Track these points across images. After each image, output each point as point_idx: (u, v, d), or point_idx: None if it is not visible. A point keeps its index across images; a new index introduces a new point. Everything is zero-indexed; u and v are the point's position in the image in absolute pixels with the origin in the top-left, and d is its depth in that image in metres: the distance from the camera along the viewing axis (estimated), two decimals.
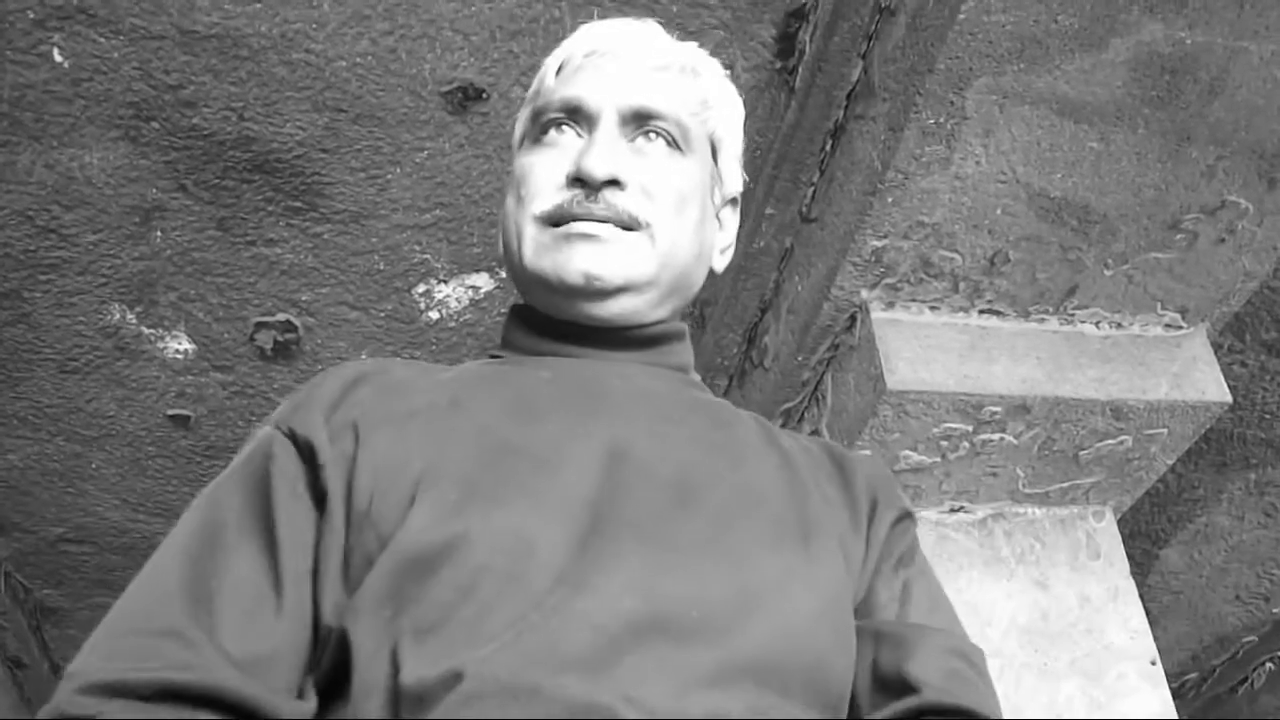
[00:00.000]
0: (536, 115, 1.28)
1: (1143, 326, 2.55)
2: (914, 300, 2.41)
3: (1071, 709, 2.46)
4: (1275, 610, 4.20)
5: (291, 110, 2.31)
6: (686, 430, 1.11)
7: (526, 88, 2.30)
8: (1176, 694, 2.63)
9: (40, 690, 4.05)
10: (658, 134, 1.23)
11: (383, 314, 2.74)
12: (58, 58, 2.15)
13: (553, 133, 1.24)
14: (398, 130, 2.37)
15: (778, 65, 2.33)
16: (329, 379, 1.12)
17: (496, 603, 0.90)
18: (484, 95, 2.32)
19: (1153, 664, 2.56)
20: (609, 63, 1.26)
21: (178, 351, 2.80)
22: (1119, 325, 2.54)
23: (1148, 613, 2.67)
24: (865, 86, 2.20)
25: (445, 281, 2.66)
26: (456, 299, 2.70)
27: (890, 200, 2.20)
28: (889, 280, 2.36)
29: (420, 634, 0.88)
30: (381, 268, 2.64)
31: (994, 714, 1.03)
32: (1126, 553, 2.72)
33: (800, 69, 2.32)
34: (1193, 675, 4.54)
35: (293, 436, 1.04)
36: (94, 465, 3.20)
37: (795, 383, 2.68)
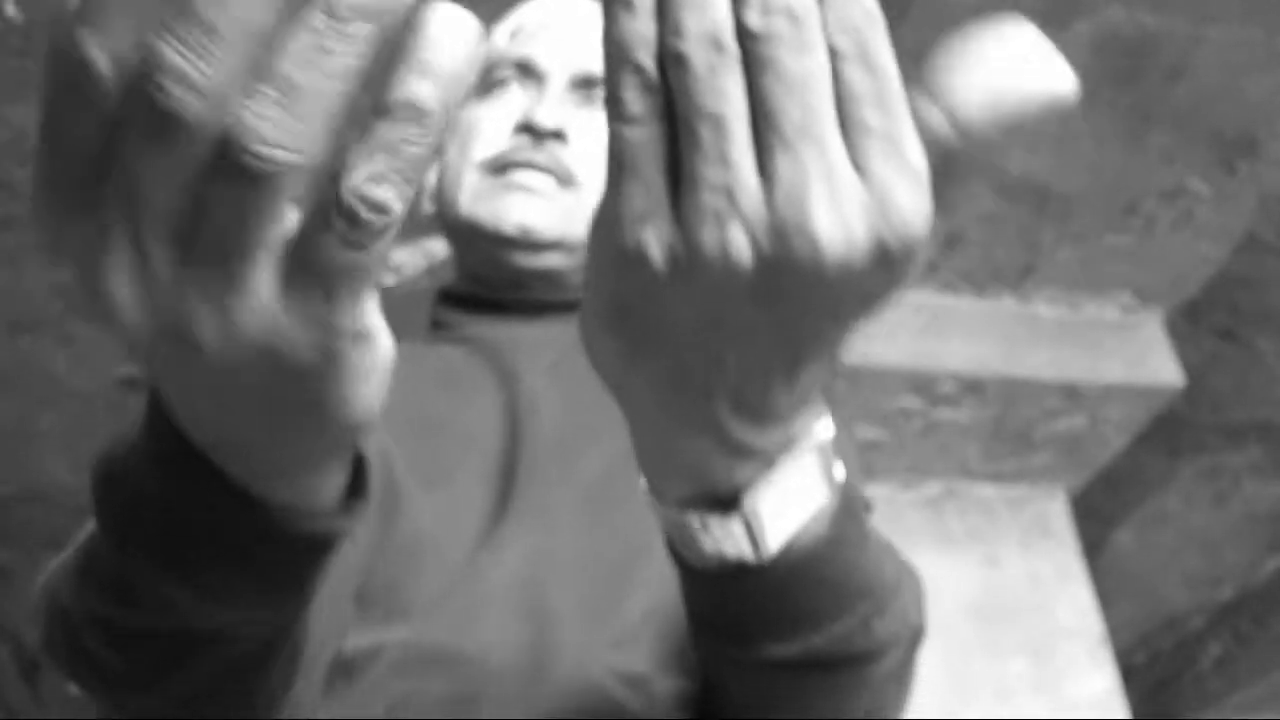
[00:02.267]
0: (486, 72, 1.28)
1: (1098, 308, 2.56)
2: None
3: (1019, 687, 2.47)
4: (1224, 595, 4.24)
5: None
6: (590, 393, 1.10)
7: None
8: (1124, 675, 2.65)
9: None
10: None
11: None
12: (10, 11, 2.12)
13: (499, 88, 1.24)
14: None
15: None
16: None
17: (424, 574, 0.90)
18: None
19: (1101, 644, 2.57)
20: (562, 29, 1.27)
21: None
22: (1075, 307, 2.55)
23: (1098, 593, 2.68)
24: None
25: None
26: (414, 265, 2.69)
27: None
28: None
29: (362, 605, 0.88)
30: None
31: None
32: (1078, 533, 2.74)
33: None
34: (1141, 657, 4.58)
35: None
36: (44, 425, 3.18)
37: None
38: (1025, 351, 2.46)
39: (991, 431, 2.55)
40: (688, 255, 0.46)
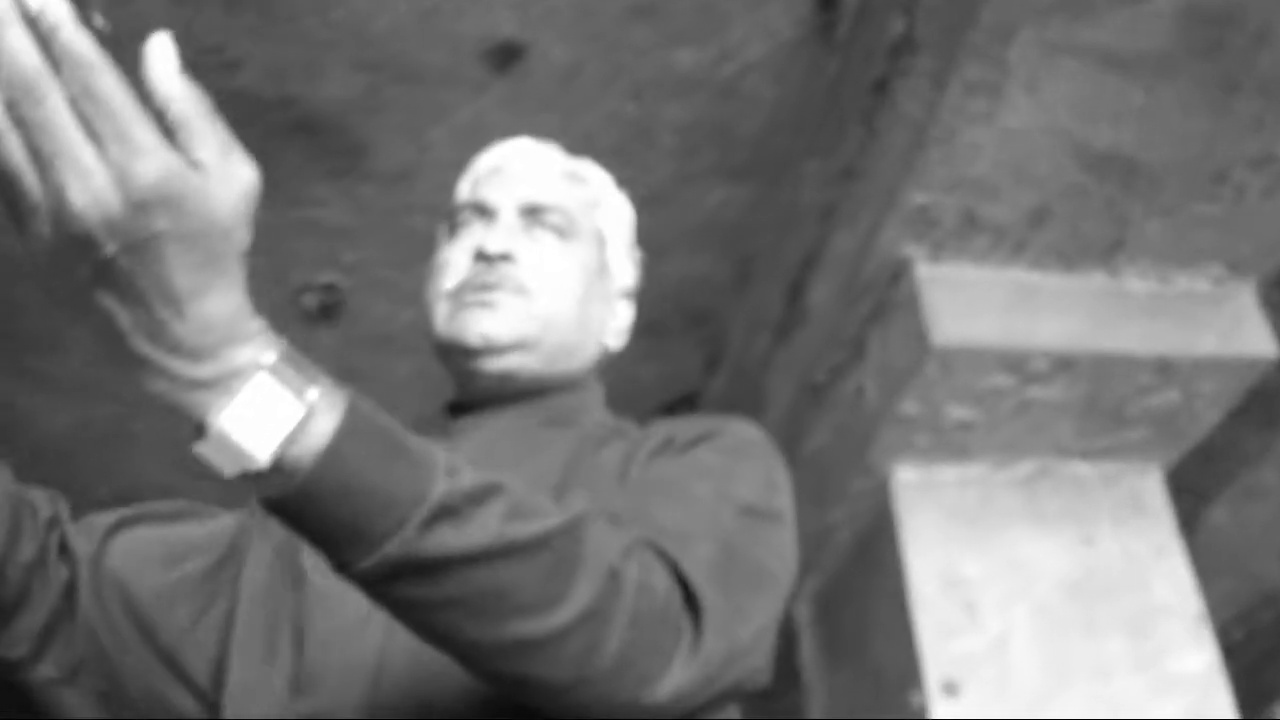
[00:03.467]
0: (450, 216, 1.52)
1: (1189, 281, 2.53)
2: (958, 255, 2.40)
3: (1118, 665, 2.46)
4: None
5: (332, 71, 2.31)
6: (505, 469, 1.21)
7: (568, 45, 2.30)
8: (1224, 651, 2.62)
9: None
10: (548, 226, 1.46)
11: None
12: (99, 23, 2.16)
13: (462, 229, 1.47)
14: (438, 90, 2.37)
15: (819, 19, 2.31)
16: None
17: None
18: (524, 53, 2.31)
19: (1199, 620, 2.55)
20: (510, 171, 1.51)
21: None
22: (1165, 279, 2.52)
23: (1194, 569, 2.66)
24: (908, 40, 2.18)
25: None
26: None
27: (934, 155, 2.19)
28: (933, 235, 2.35)
29: None
30: (424, 228, 2.64)
31: (645, 529, 1.04)
32: (1173, 509, 2.71)
33: (842, 22, 2.30)
34: (1238, 634, 4.53)
35: None
36: (137, 428, 3.23)
37: (838, 339, 2.67)
38: (1116, 326, 2.44)
39: (1084, 408, 2.53)
40: (28, 245, 0.71)
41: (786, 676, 3.27)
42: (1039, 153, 2.22)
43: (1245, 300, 2.55)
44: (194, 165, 0.72)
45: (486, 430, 1.38)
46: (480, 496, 0.86)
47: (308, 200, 2.57)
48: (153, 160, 0.69)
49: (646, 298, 2.94)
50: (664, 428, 1.33)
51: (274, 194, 2.57)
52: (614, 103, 2.39)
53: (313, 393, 0.78)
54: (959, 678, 2.41)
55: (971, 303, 2.38)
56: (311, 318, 2.82)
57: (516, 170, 1.51)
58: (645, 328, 2.95)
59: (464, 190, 1.54)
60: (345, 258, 2.71)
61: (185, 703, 1.25)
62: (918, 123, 2.18)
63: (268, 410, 0.76)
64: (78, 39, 0.70)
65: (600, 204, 1.56)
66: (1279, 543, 3.99)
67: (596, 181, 1.58)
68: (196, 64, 2.26)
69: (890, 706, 2.59)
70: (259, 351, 0.77)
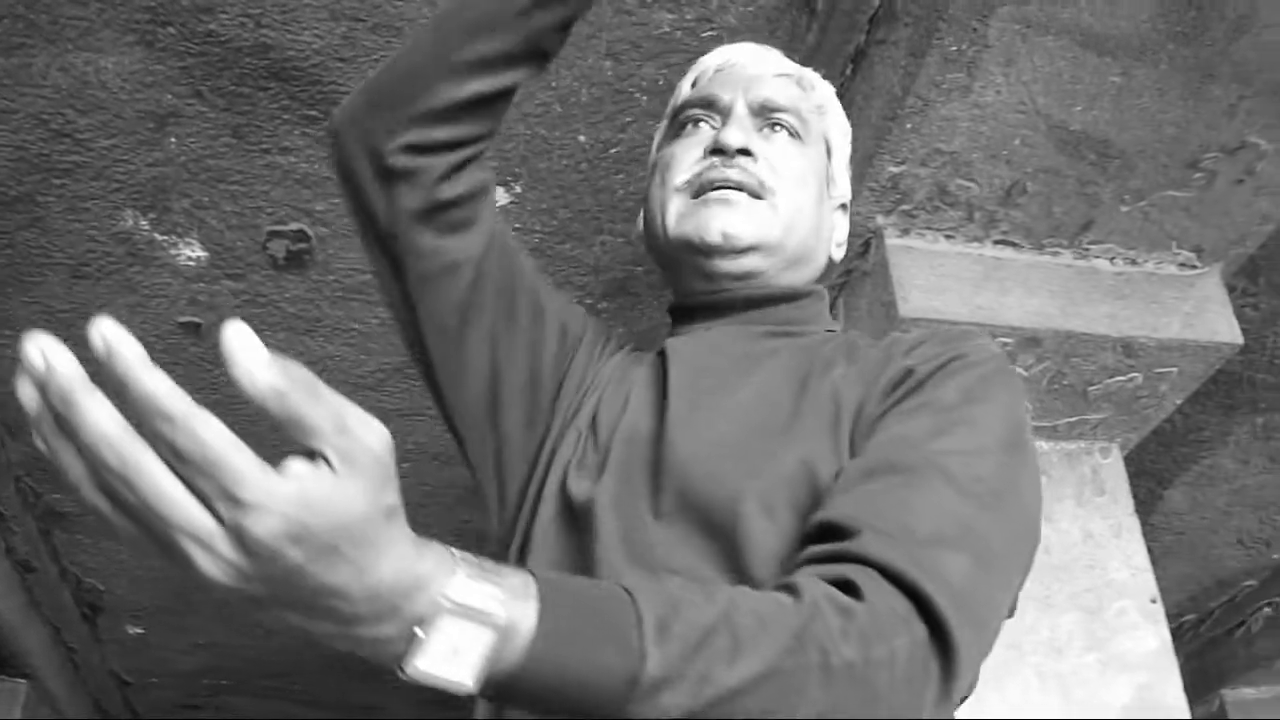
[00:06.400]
0: (675, 115, 1.50)
1: (1157, 264, 2.55)
2: (929, 228, 2.41)
3: (1071, 642, 2.47)
4: (1276, 555, 4.21)
5: (309, 18, 2.29)
6: (732, 378, 1.29)
7: None
8: (1174, 634, 2.64)
9: (49, 594, 4.08)
10: (781, 125, 1.43)
11: None
12: None
13: (690, 127, 1.45)
14: None
15: None
16: None
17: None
18: None
19: (1153, 602, 2.57)
20: (737, 70, 1.48)
21: (190, 259, 2.80)
22: (1133, 262, 2.53)
23: (1150, 551, 2.68)
24: (888, 10, 2.18)
25: None
26: None
27: (909, 126, 2.19)
28: (904, 207, 2.35)
29: None
30: None
31: (876, 513, 0.98)
32: (1131, 490, 2.73)
33: None
34: (1191, 616, 4.57)
35: None
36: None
37: None
38: (1083, 306, 2.45)
39: (1047, 386, 2.54)
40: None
41: None
42: (1013, 129, 2.22)
43: (1212, 286, 2.57)
44: (313, 468, 0.69)
45: (712, 337, 1.36)
46: (698, 645, 0.82)
47: (280, 147, 2.56)
48: (267, 516, 0.66)
49: (615, 258, 2.94)
50: (900, 349, 1.25)
51: (246, 140, 2.57)
52: (592, 61, 2.38)
53: (500, 613, 0.76)
54: None
55: (940, 276, 2.39)
56: (279, 265, 2.81)
57: (746, 69, 1.47)
58: (616, 288, 2.95)
59: (686, 89, 1.52)
60: (316, 206, 2.69)
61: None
62: (893, 94, 2.18)
63: (461, 645, 0.75)
64: (154, 388, 0.66)
65: (827, 111, 1.53)
66: (1234, 529, 4.03)
67: (822, 88, 1.55)
68: (172, 7, 2.25)
69: None
70: (437, 592, 0.75)
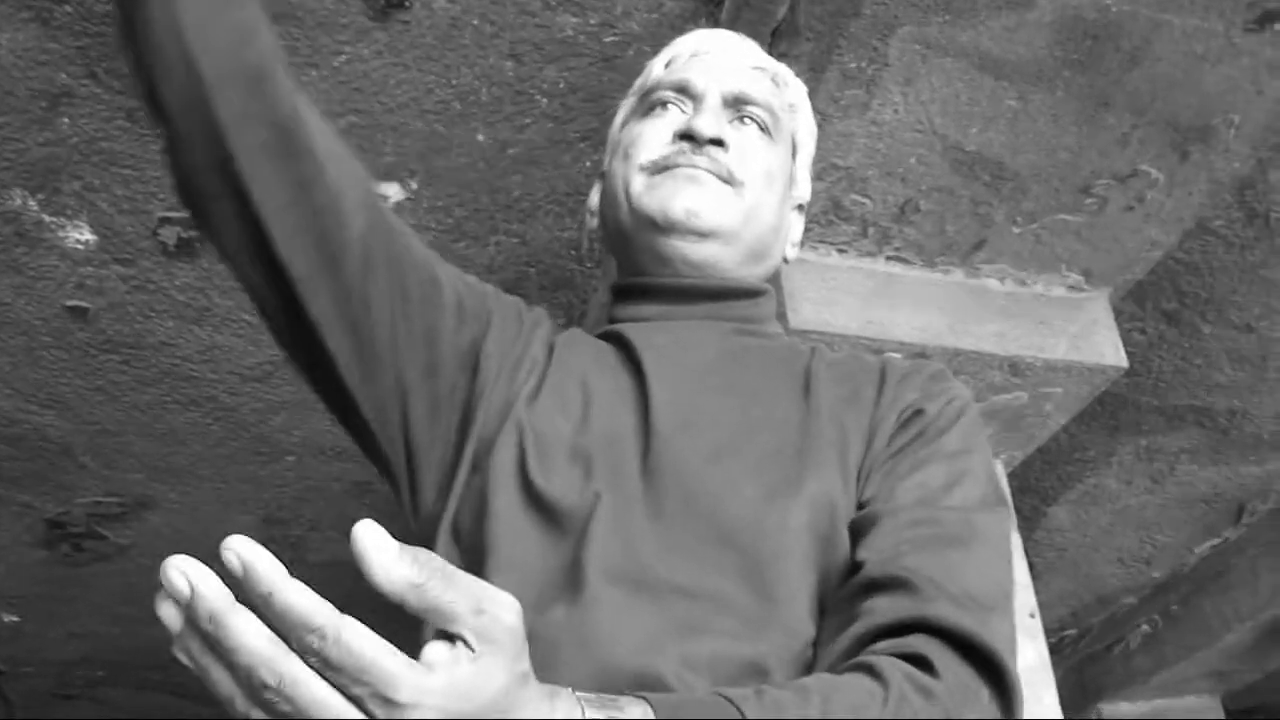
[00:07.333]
0: (645, 95, 1.47)
1: (1046, 286, 2.58)
2: (822, 241, 2.43)
3: None
4: (1156, 574, 4.30)
5: None
6: (715, 379, 1.28)
7: None
8: (1053, 649, 2.68)
9: None
10: (752, 119, 1.41)
11: None
12: None
13: (659, 108, 1.42)
14: (316, 32, 2.33)
15: None
16: None
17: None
18: (406, 3, 2.28)
19: (1031, 616, 2.61)
20: (713, 58, 1.45)
21: (79, 242, 2.75)
22: (1023, 283, 2.57)
23: (1031, 567, 2.72)
24: (790, 25, 2.19)
25: None
26: None
27: None
28: None
29: None
30: None
31: (943, 575, 1.04)
32: (1014, 507, 2.76)
33: (726, 1, 2.30)
34: (1071, 631, 4.64)
35: None
36: None
37: None
38: (972, 324, 2.48)
39: None
40: None
41: None
42: (910, 148, 2.25)
43: (1099, 310, 2.61)
44: (453, 652, 0.70)
45: (679, 331, 1.34)
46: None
47: None
48: (423, 712, 0.67)
49: (509, 258, 2.93)
50: (895, 377, 1.28)
51: (140, 124, 2.52)
52: (493, 60, 2.37)
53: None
54: None
55: (832, 290, 2.41)
56: (169, 252, 2.76)
57: (721, 58, 1.46)
58: (505, 288, 2.94)
59: (659, 70, 1.49)
60: None
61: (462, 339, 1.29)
62: None
63: None
64: (299, 603, 0.66)
65: (798, 110, 1.52)
66: (1115, 548, 4.10)
67: (795, 87, 1.53)
68: None
69: None
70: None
